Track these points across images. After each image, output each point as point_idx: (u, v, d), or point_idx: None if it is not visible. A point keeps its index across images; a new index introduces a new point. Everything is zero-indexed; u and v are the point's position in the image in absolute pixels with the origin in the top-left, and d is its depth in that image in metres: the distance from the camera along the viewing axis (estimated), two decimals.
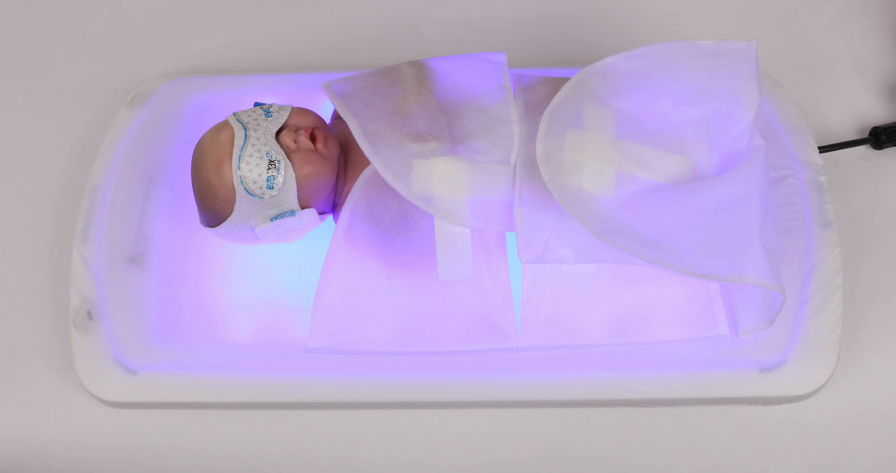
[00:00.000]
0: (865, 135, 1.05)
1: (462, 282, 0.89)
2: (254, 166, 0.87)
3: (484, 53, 0.97)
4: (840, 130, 1.06)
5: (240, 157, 0.87)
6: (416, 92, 0.93)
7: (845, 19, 1.14)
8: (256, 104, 0.93)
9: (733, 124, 0.91)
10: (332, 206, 0.95)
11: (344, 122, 0.95)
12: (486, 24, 1.14)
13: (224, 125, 0.91)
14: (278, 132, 0.90)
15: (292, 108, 0.92)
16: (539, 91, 0.93)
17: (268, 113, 0.90)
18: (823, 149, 1.01)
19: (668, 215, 0.85)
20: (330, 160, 0.91)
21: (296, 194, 0.89)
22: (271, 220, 0.90)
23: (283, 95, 1.05)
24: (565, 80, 0.94)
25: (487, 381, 0.89)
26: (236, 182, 0.88)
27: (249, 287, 0.94)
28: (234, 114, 0.91)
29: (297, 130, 0.90)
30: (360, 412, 0.92)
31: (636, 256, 0.83)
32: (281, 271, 0.95)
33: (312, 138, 0.90)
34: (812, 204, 0.95)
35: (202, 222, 0.94)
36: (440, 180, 0.88)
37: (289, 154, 0.89)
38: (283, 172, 0.88)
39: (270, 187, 0.88)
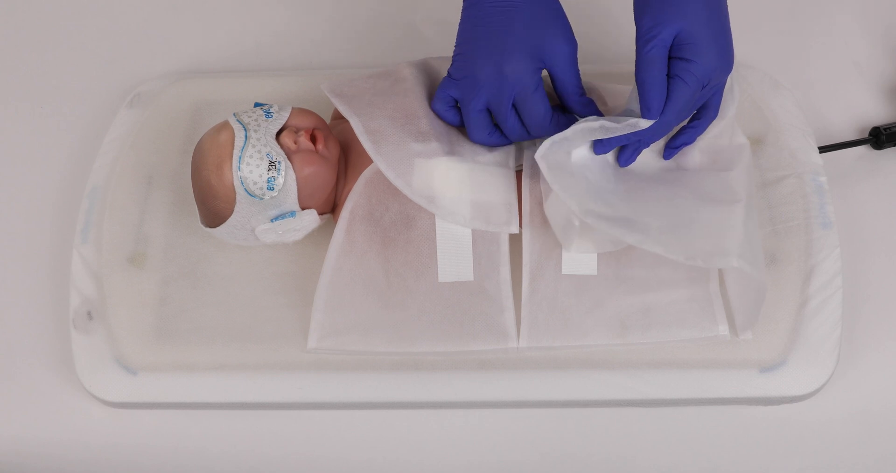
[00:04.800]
0: (865, 135, 1.05)
1: (462, 282, 0.89)
2: (254, 167, 0.87)
3: None
4: (840, 130, 1.06)
5: (240, 158, 0.87)
6: (417, 92, 0.93)
7: (845, 19, 1.14)
8: (256, 104, 0.93)
9: (716, 121, 0.91)
10: (333, 206, 0.95)
11: (344, 122, 0.95)
12: None
13: (224, 126, 0.91)
14: (278, 133, 0.90)
15: (292, 108, 0.92)
16: None
17: (268, 114, 0.90)
18: (823, 149, 1.01)
19: (655, 204, 0.87)
20: (330, 161, 0.91)
21: (296, 194, 0.89)
22: (271, 220, 0.90)
23: (284, 94, 1.05)
24: None
25: (487, 381, 0.89)
26: (237, 183, 0.88)
27: (249, 287, 0.94)
28: (234, 114, 0.91)
29: (297, 130, 0.90)
30: (360, 413, 0.92)
31: (620, 236, 0.84)
32: (281, 271, 0.95)
33: (313, 139, 0.90)
34: (812, 204, 0.95)
35: (202, 223, 0.94)
36: (442, 180, 0.88)
37: (289, 155, 0.89)
38: (283, 173, 0.88)
39: (271, 188, 0.88)
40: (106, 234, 0.97)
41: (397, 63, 0.97)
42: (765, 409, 0.90)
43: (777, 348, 0.89)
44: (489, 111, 0.89)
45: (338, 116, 1.00)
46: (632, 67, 1.08)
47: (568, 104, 0.89)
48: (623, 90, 0.98)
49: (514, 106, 0.87)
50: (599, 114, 0.89)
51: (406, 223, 0.89)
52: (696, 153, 0.92)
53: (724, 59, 0.84)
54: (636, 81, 0.83)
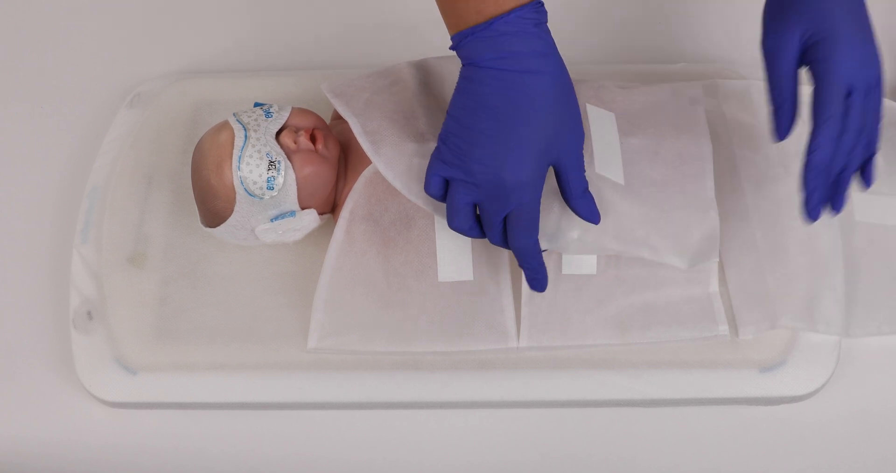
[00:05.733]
0: None
1: (462, 282, 0.89)
2: (254, 167, 0.87)
3: None
4: None
5: (240, 157, 0.87)
6: (416, 92, 0.93)
7: None
8: (256, 104, 0.93)
9: None
10: (332, 206, 0.95)
11: (344, 122, 0.95)
12: None
13: (224, 126, 0.91)
14: (278, 133, 0.90)
15: (292, 108, 0.92)
16: None
17: (268, 113, 0.90)
18: None
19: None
20: (330, 161, 0.91)
21: (296, 194, 0.89)
22: (271, 220, 0.90)
23: (284, 94, 1.05)
24: None
25: (487, 381, 0.89)
26: (236, 183, 0.88)
27: (249, 287, 0.94)
28: (234, 114, 0.91)
29: (297, 130, 0.90)
30: (360, 413, 0.92)
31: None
32: (281, 271, 0.95)
33: (313, 139, 0.90)
34: None
35: (202, 223, 0.94)
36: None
37: (289, 155, 0.89)
38: (283, 172, 0.88)
39: (271, 188, 0.88)
40: (106, 234, 0.97)
41: (397, 63, 0.97)
42: (765, 409, 0.90)
43: (777, 348, 0.89)
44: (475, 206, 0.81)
45: (337, 116, 1.00)
46: (635, 68, 1.08)
47: (570, 201, 0.82)
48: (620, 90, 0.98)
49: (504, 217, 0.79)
50: (595, 211, 0.82)
51: (406, 223, 0.89)
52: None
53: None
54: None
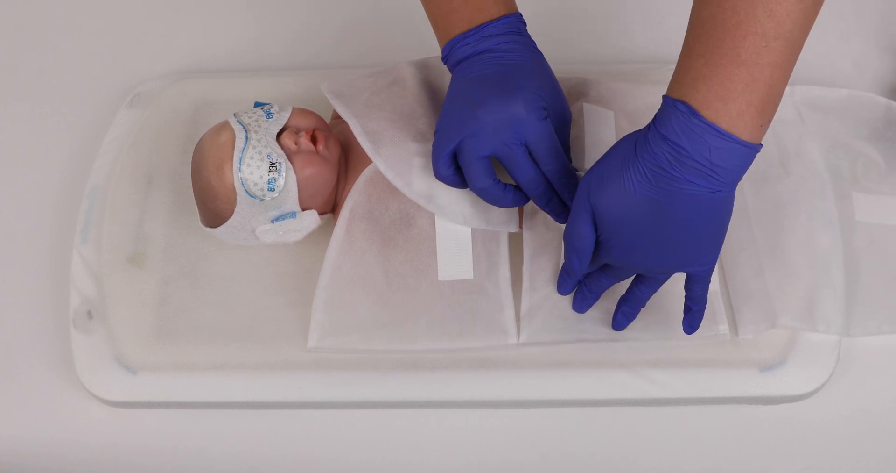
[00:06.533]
0: None
1: (462, 281, 0.89)
2: (255, 169, 0.87)
3: None
4: None
5: (241, 159, 0.87)
6: (416, 92, 0.93)
7: (845, 20, 1.14)
8: (257, 104, 0.93)
9: None
10: (333, 206, 0.95)
11: (344, 122, 0.95)
12: None
13: (224, 127, 0.91)
14: (279, 134, 0.90)
15: (293, 108, 0.92)
16: None
17: (269, 114, 0.90)
18: None
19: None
20: (331, 162, 0.91)
21: (297, 195, 0.89)
22: (272, 221, 0.90)
23: (284, 94, 1.05)
24: (564, 80, 0.94)
25: (488, 380, 0.89)
26: (237, 184, 0.88)
27: (249, 287, 0.94)
28: (234, 115, 0.91)
29: (297, 131, 0.90)
30: (360, 412, 0.92)
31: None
32: (281, 270, 0.95)
33: (313, 140, 0.90)
34: (813, 204, 0.95)
35: (202, 223, 0.94)
36: None
37: (290, 156, 0.89)
38: (284, 174, 0.87)
39: (271, 190, 0.88)
40: (106, 234, 0.97)
41: (397, 63, 0.97)
42: (765, 408, 0.90)
43: (777, 347, 0.89)
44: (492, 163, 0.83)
45: (338, 116, 1.00)
46: (634, 68, 1.08)
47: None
48: (621, 88, 0.98)
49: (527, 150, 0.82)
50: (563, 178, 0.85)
51: (406, 222, 0.89)
52: None
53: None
54: None
